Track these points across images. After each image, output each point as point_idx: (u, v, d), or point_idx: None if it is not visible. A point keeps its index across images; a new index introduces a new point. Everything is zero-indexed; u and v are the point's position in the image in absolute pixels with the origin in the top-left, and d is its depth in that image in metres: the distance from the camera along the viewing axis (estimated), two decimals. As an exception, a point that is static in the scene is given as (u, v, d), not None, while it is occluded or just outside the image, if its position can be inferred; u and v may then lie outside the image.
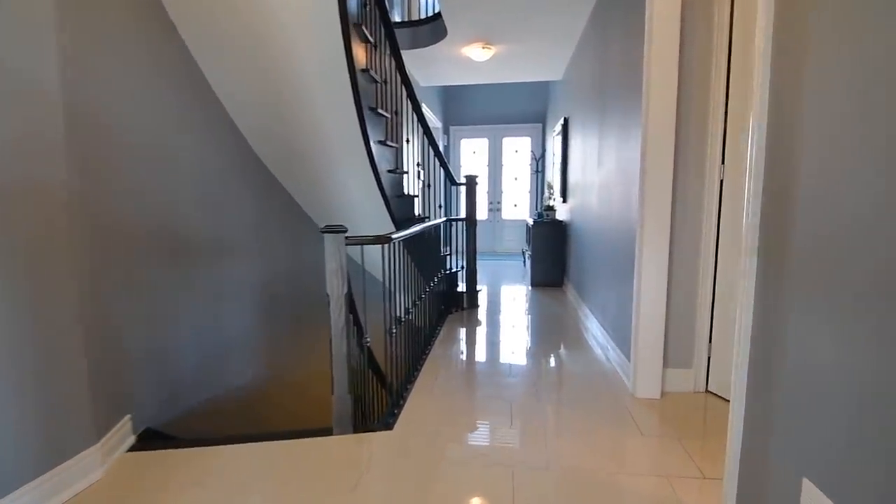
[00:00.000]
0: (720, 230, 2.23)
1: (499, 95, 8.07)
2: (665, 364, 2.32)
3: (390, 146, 3.17)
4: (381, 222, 3.33)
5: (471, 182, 4.13)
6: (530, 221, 5.52)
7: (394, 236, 2.14)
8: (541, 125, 8.00)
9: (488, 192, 8.33)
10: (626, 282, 2.64)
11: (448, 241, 4.22)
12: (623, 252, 2.72)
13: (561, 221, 5.18)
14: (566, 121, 5.16)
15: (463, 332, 3.60)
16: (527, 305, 4.47)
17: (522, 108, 8.04)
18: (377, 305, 2.34)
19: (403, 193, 3.44)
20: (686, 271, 2.30)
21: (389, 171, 3.16)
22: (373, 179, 2.93)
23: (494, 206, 8.34)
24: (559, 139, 5.56)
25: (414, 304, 2.88)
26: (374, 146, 2.83)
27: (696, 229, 2.27)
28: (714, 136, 2.19)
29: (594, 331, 3.41)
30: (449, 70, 5.56)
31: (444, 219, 3.77)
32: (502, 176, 8.27)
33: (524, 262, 6.86)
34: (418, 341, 3.09)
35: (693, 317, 2.32)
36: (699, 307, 2.30)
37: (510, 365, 2.89)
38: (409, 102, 3.49)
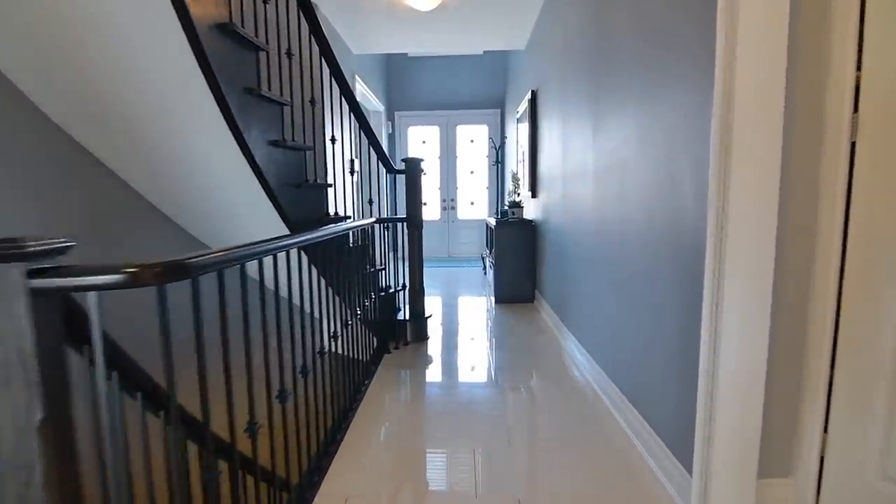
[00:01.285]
0: (848, 238, 1.22)
1: (451, 77, 6.99)
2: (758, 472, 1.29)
3: (272, 100, 1.99)
4: (273, 226, 2.15)
5: (413, 168, 3.00)
6: (492, 222, 4.46)
7: (199, 260, 0.91)
8: (499, 111, 6.99)
9: (441, 189, 7.24)
10: (670, 321, 1.60)
11: (388, 250, 3.08)
12: (662, 273, 1.67)
13: (530, 221, 4.15)
14: (534, 96, 4.14)
15: (403, 389, 2.47)
16: (492, 334, 3.39)
17: (478, 91, 7.00)
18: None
19: (307, 182, 2.27)
20: (792, 314, 1.28)
21: (274, 144, 1.97)
22: (238, 152, 1.75)
23: (448, 204, 7.26)
24: (524, 123, 4.54)
25: (323, 352, 1.72)
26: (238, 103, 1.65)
27: (808, 239, 1.26)
28: (842, 72, 1.18)
29: (592, 379, 2.37)
30: (385, 29, 4.41)
31: (371, 219, 2.62)
32: (457, 169, 7.20)
33: (484, 269, 5.82)
34: (337, 403, 1.92)
35: (798, 391, 1.31)
36: (809, 373, 1.29)
37: (476, 455, 1.78)
38: (312, 40, 2.31)
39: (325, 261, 1.97)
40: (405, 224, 3.04)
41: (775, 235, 1.18)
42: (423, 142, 7.20)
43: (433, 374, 2.61)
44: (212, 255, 0.92)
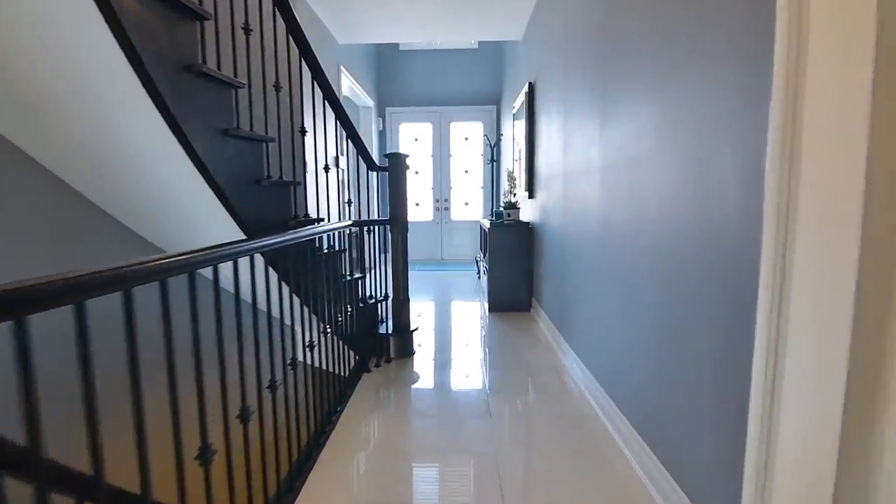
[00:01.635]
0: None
1: (445, 71, 6.69)
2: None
3: (221, 81, 1.67)
4: (229, 229, 1.84)
5: (397, 164, 2.70)
6: (486, 224, 4.15)
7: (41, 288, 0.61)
8: (495, 107, 6.70)
9: (434, 189, 6.93)
10: (696, 344, 1.30)
11: (366, 256, 2.77)
12: (686, 286, 1.38)
13: (527, 224, 3.85)
14: (531, 89, 3.84)
15: (381, 417, 2.16)
16: (485, 348, 3.09)
17: (473, 86, 6.70)
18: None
19: (269, 178, 1.95)
20: (870, 347, 0.98)
21: (225, 133, 1.66)
22: (174, 141, 1.44)
23: (441, 204, 6.95)
24: (521, 118, 4.25)
25: (274, 387, 1.41)
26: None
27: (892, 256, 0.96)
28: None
29: (598, 407, 2.07)
30: (373, 16, 4.10)
31: (346, 222, 2.30)
32: (450, 168, 6.89)
33: (478, 273, 5.52)
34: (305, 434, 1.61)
35: (881, 442, 1.01)
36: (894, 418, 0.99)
37: (459, 511, 1.48)
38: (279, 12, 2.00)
39: (289, 270, 1.67)
40: (389, 227, 2.74)
41: (859, 250, 0.88)
42: (416, 139, 6.90)
43: (417, 398, 2.30)
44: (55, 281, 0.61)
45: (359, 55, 5.60)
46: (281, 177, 2.06)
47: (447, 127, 6.82)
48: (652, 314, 1.56)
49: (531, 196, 3.93)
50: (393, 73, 6.73)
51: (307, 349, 1.76)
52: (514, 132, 4.81)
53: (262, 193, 1.90)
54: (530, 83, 3.84)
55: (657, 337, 1.53)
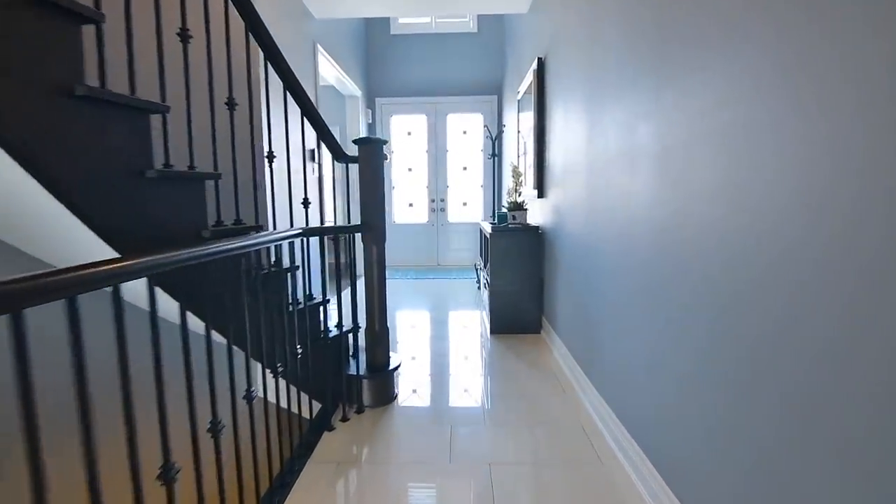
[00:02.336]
0: None
1: (441, 58, 6.05)
2: None
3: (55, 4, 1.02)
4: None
5: (371, 153, 2.05)
6: (486, 228, 3.51)
7: None
8: (496, 97, 6.05)
9: (429, 188, 6.29)
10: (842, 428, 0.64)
11: (344, 270, 2.12)
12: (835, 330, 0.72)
13: (536, 228, 3.21)
14: (541, 66, 3.20)
15: None
16: (487, 386, 2.45)
17: (472, 74, 6.06)
18: None
19: (168, 168, 1.31)
20: None
21: (69, 95, 1.02)
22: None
23: (437, 205, 6.31)
24: (528, 106, 3.61)
25: (171, 476, 0.77)
26: None
27: None
28: None
29: (638, 481, 1.42)
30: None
31: (291, 231, 1.64)
32: (447, 165, 6.25)
33: (478, 282, 4.88)
34: None
35: None
36: None
37: None
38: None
39: (201, 299, 1.03)
40: (361, 234, 2.10)
41: None
42: (409, 133, 6.25)
43: (396, 473, 1.66)
44: None
45: (343, 38, 4.96)
46: (192, 166, 1.42)
47: (443, 119, 6.18)
48: (780, 379, 0.92)
49: (541, 195, 3.29)
50: (383, 60, 6.09)
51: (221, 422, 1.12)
52: (518, 123, 4.16)
53: (151, 191, 1.26)
54: (540, 59, 3.20)
55: (766, 405, 0.89)
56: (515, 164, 3.87)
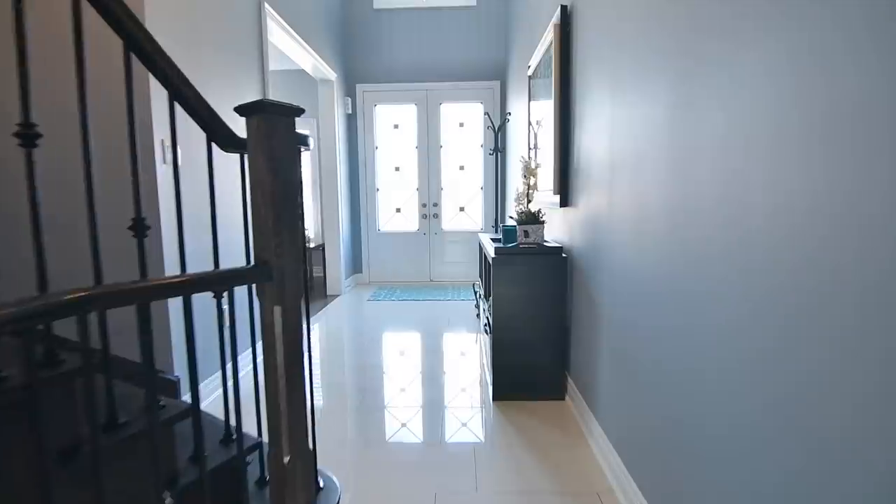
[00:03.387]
0: None
1: (435, 37, 5.10)
2: None
3: None
4: None
5: (268, 132, 1.08)
6: (489, 248, 2.55)
7: None
8: (499, 83, 5.10)
9: (420, 190, 5.34)
10: None
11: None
12: None
13: (557, 250, 2.24)
14: (566, 17, 2.24)
15: None
16: (486, 519, 1.49)
17: (471, 56, 5.11)
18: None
19: None
20: None
21: None
22: None
23: (430, 210, 5.36)
24: (542, 86, 2.66)
25: None
26: None
27: None
28: None
29: None
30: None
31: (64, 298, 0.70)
32: (441, 163, 5.30)
33: (478, 309, 3.94)
34: None
35: None
36: None
37: None
38: None
39: None
40: (246, 282, 1.14)
41: None
42: (396, 126, 5.30)
43: None
44: None
45: (308, 5, 4.01)
46: None
47: (437, 110, 5.22)
48: None
49: (565, 203, 2.34)
50: (365, 40, 5.14)
51: None
52: (529, 109, 3.20)
53: None
54: (564, 8, 2.24)
55: None
56: (526, 158, 2.90)
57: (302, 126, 5.84)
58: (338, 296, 4.81)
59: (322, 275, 5.12)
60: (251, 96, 2.91)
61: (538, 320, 2.22)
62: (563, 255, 2.22)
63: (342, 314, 4.12)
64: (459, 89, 5.15)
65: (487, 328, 2.46)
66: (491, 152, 3.88)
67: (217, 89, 2.47)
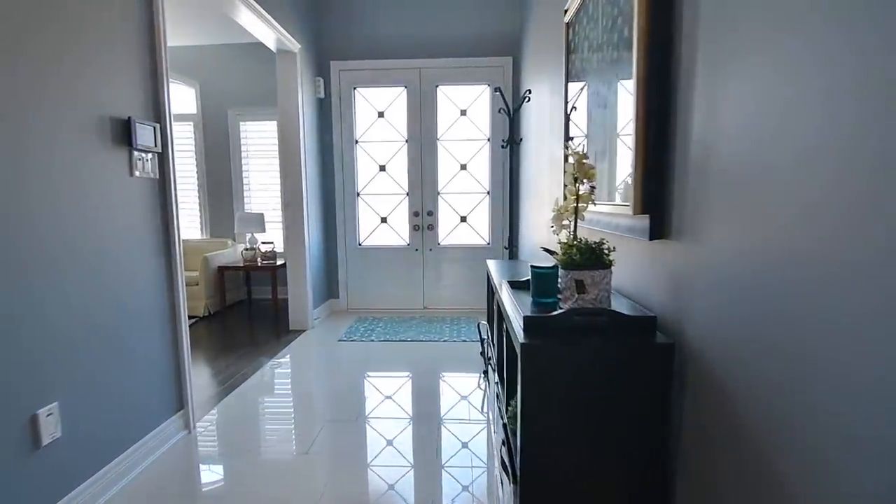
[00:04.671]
0: None
1: (430, 3, 4.02)
2: None
3: None
4: None
5: None
6: (511, 313, 1.45)
7: None
8: (510, 59, 4.02)
9: (411, 196, 4.25)
10: None
11: None
12: None
13: (648, 324, 1.13)
14: None
15: None
16: None
17: (475, 27, 4.02)
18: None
19: None
20: None
21: None
22: None
23: (423, 221, 4.27)
24: (597, 31, 1.57)
25: None
26: None
27: None
28: None
29: None
30: None
31: None
32: (438, 161, 4.21)
33: (486, 367, 2.86)
34: None
35: None
36: None
37: None
38: None
39: None
40: None
41: None
42: (381, 114, 4.22)
43: None
44: None
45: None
46: None
47: (432, 94, 4.14)
48: None
49: (659, 231, 1.23)
50: (342, 6, 4.06)
51: None
52: (567, 69, 2.09)
53: None
54: None
55: None
56: (574, 147, 1.76)
57: (267, 115, 4.77)
58: (303, 331, 3.73)
59: (274, 302, 4.05)
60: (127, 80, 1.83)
61: (608, 460, 1.12)
62: (662, 335, 1.13)
63: (300, 364, 3.03)
64: (461, 67, 4.06)
65: (506, 469, 1.36)
66: (504, 144, 2.77)
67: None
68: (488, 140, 4.14)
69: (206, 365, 3.05)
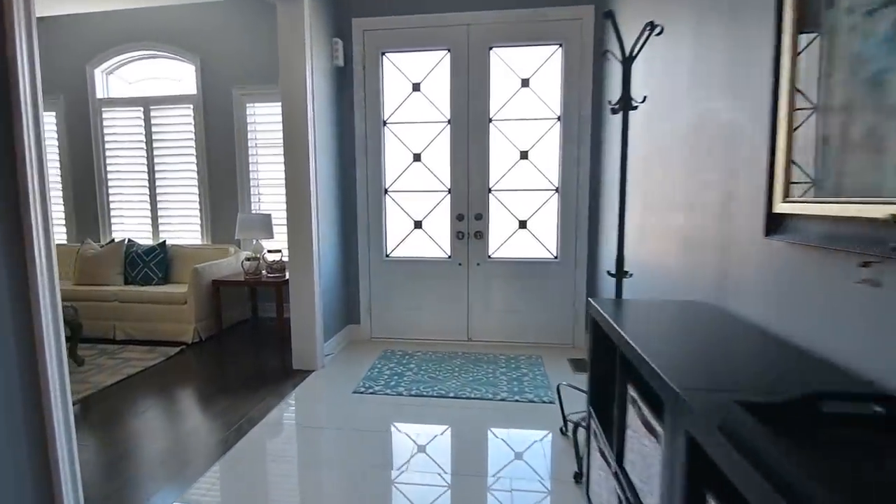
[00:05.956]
0: None
1: (479, -66, 3.01)
2: None
3: None
4: None
5: None
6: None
7: None
8: (592, 7, 2.95)
9: (453, 194, 3.25)
10: None
11: None
12: None
13: None
14: None
15: None
16: None
17: (542, -37, 2.99)
18: None
19: None
20: None
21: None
22: None
23: (470, 226, 3.26)
24: None
25: None
26: None
27: None
28: None
29: None
30: None
31: None
32: (489, 148, 3.19)
33: (566, 428, 1.82)
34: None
35: None
36: None
37: None
38: None
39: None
40: None
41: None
42: (416, 86, 3.24)
43: None
44: None
45: None
46: None
47: (484, 58, 3.13)
48: None
49: None
50: (366, -57, 3.10)
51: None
52: (778, 29, 1.02)
53: None
54: None
55: None
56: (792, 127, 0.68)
57: (278, 96, 3.88)
58: (309, 373, 2.79)
59: (280, 325, 3.13)
60: None
61: None
62: None
63: (287, 438, 2.07)
64: (523, 22, 3.03)
65: None
66: (615, 107, 1.69)
67: None
68: (558, 119, 3.09)
69: (154, 432, 2.14)
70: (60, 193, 4.31)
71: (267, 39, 3.85)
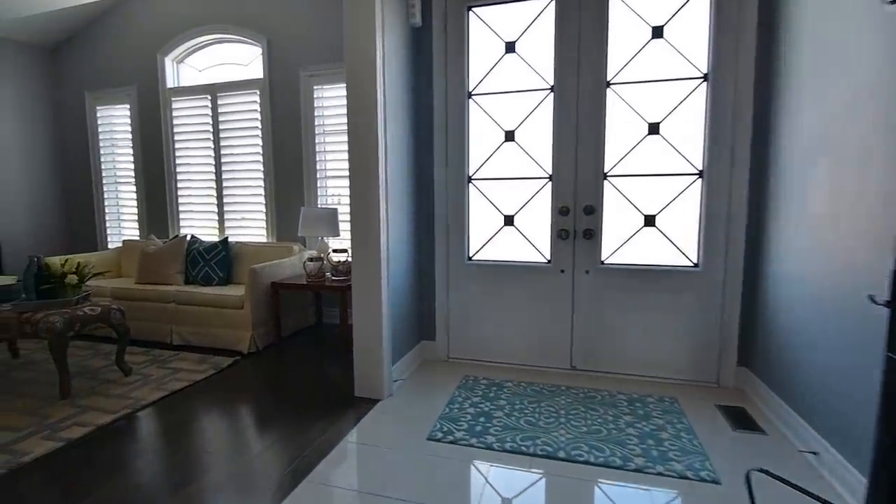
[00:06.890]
0: None
1: None
2: None
3: None
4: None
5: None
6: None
7: None
8: (765, -84, 2.11)
9: (555, 178, 2.54)
10: None
11: None
12: None
13: None
14: None
15: None
16: None
17: None
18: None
19: None
20: None
21: None
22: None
23: (576, 222, 2.53)
24: None
25: None
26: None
27: None
28: None
29: None
30: None
31: None
32: (605, 121, 2.44)
33: None
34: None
35: None
36: None
37: None
38: None
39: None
40: None
41: None
42: (510, 46, 2.57)
43: None
44: None
45: None
46: None
47: (600, 4, 2.39)
48: None
49: None
50: None
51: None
52: None
53: None
54: None
55: None
56: None
57: (337, 73, 3.40)
58: (375, 403, 2.23)
59: (344, 333, 2.58)
60: None
61: None
62: None
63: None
64: (657, -51, 2.26)
65: None
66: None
67: None
68: (704, 78, 2.28)
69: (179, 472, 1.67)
70: (133, 189, 4.18)
71: (336, 13, 3.39)
